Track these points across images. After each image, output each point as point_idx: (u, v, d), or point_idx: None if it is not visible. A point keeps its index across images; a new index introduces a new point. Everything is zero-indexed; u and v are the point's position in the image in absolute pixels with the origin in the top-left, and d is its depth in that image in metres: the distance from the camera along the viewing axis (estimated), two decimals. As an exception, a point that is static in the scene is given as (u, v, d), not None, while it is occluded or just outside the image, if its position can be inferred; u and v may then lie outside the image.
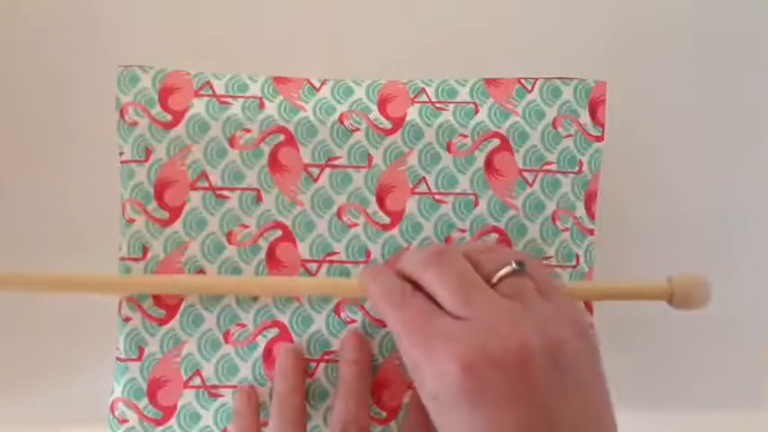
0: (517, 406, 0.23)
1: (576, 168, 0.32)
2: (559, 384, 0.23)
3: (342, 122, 0.31)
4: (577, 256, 0.32)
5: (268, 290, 0.31)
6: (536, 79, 0.32)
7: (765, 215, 0.39)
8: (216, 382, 0.31)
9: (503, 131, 0.32)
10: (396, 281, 0.27)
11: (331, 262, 0.31)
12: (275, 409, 0.30)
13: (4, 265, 0.36)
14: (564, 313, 0.25)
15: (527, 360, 0.23)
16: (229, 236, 0.31)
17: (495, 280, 0.26)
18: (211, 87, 0.31)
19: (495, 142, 0.32)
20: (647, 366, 0.40)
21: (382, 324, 0.31)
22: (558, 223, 0.32)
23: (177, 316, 0.30)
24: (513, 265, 0.26)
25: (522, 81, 0.32)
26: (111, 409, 0.31)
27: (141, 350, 0.30)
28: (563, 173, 0.32)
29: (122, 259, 0.30)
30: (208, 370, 0.31)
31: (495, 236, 0.32)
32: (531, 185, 0.32)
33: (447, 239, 0.32)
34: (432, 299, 0.26)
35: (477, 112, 0.32)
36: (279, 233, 0.31)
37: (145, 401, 0.30)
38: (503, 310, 0.24)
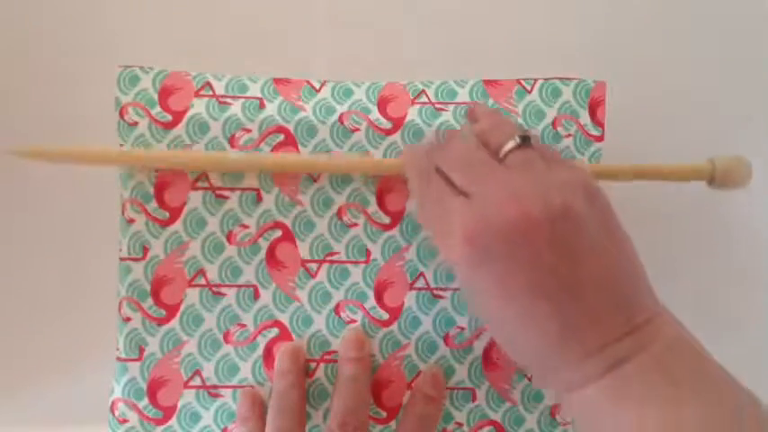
0: (521, 270, 0.24)
1: None
2: (568, 248, 0.24)
3: (342, 122, 0.31)
4: None
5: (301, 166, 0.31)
6: (536, 80, 0.32)
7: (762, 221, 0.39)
8: (216, 383, 0.31)
9: None
10: (425, 164, 0.29)
11: (331, 262, 0.31)
12: (273, 406, 0.30)
13: (3, 263, 0.36)
14: (570, 179, 0.25)
15: (529, 229, 0.24)
16: (229, 236, 0.31)
17: (501, 155, 0.27)
18: (211, 88, 0.31)
19: None
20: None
21: (382, 324, 0.31)
22: None
23: (177, 316, 0.30)
24: (517, 139, 0.26)
25: (522, 82, 0.32)
26: (111, 409, 0.31)
27: (141, 350, 0.30)
28: None
29: (122, 259, 0.30)
30: (208, 370, 0.31)
31: None
32: None
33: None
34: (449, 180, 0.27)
35: None
36: (279, 233, 0.31)
37: (145, 401, 0.30)
38: (505, 181, 0.25)
